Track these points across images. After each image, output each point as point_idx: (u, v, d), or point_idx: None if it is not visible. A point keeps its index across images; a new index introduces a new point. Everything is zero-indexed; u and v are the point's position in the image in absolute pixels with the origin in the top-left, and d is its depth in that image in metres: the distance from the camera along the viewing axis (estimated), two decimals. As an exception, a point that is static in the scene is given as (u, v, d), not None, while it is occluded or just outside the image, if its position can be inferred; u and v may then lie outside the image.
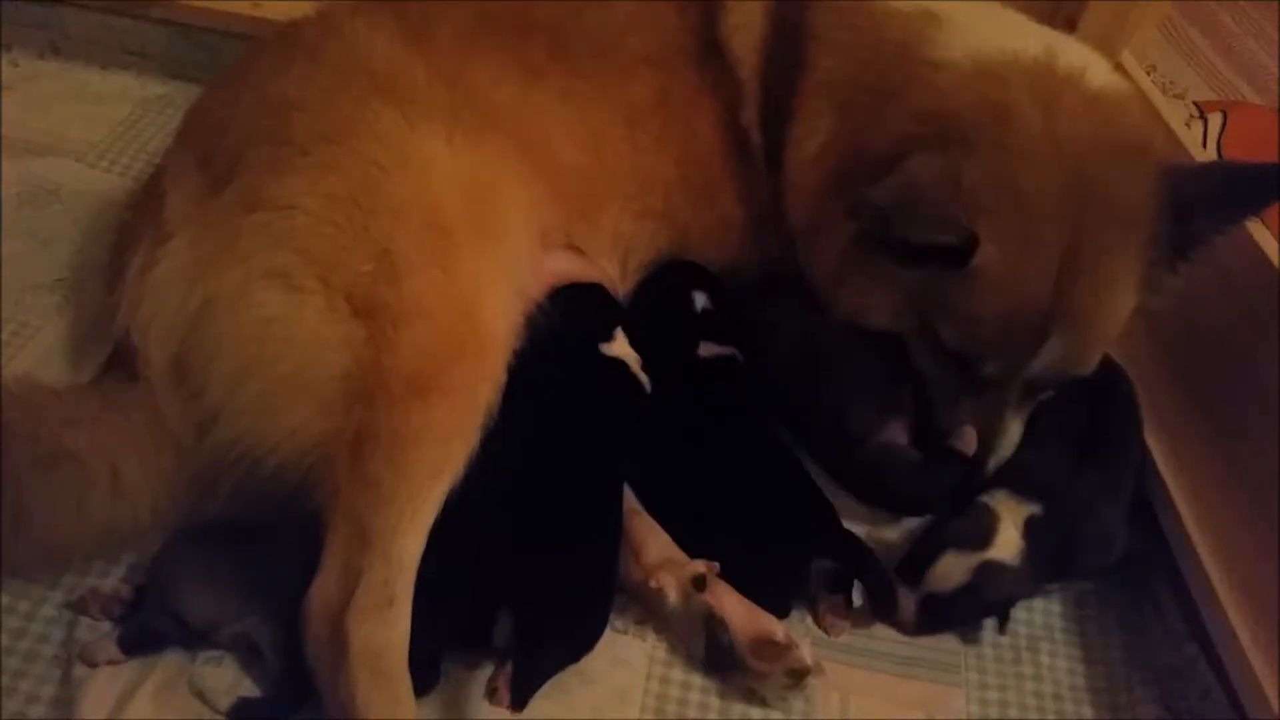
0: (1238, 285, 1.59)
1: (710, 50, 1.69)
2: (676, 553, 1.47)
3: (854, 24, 1.61)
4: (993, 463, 1.54)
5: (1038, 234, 1.39)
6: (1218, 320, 1.64)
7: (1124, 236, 1.43)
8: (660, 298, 1.72)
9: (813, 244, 1.60)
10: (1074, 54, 1.52)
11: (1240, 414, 1.58)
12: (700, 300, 1.69)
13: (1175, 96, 2.18)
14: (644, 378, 1.59)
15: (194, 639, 1.37)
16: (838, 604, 1.53)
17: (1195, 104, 2.12)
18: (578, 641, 1.37)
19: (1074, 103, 1.45)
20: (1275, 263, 1.52)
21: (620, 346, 1.60)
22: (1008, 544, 1.48)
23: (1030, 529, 1.49)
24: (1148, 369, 1.71)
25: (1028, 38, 1.54)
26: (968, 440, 1.53)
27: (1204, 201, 1.45)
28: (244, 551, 1.38)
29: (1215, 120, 2.01)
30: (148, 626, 1.36)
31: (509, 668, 1.35)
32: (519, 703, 1.26)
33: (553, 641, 1.34)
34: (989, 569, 1.47)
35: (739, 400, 1.63)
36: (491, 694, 1.36)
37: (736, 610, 1.41)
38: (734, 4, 1.69)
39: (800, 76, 1.61)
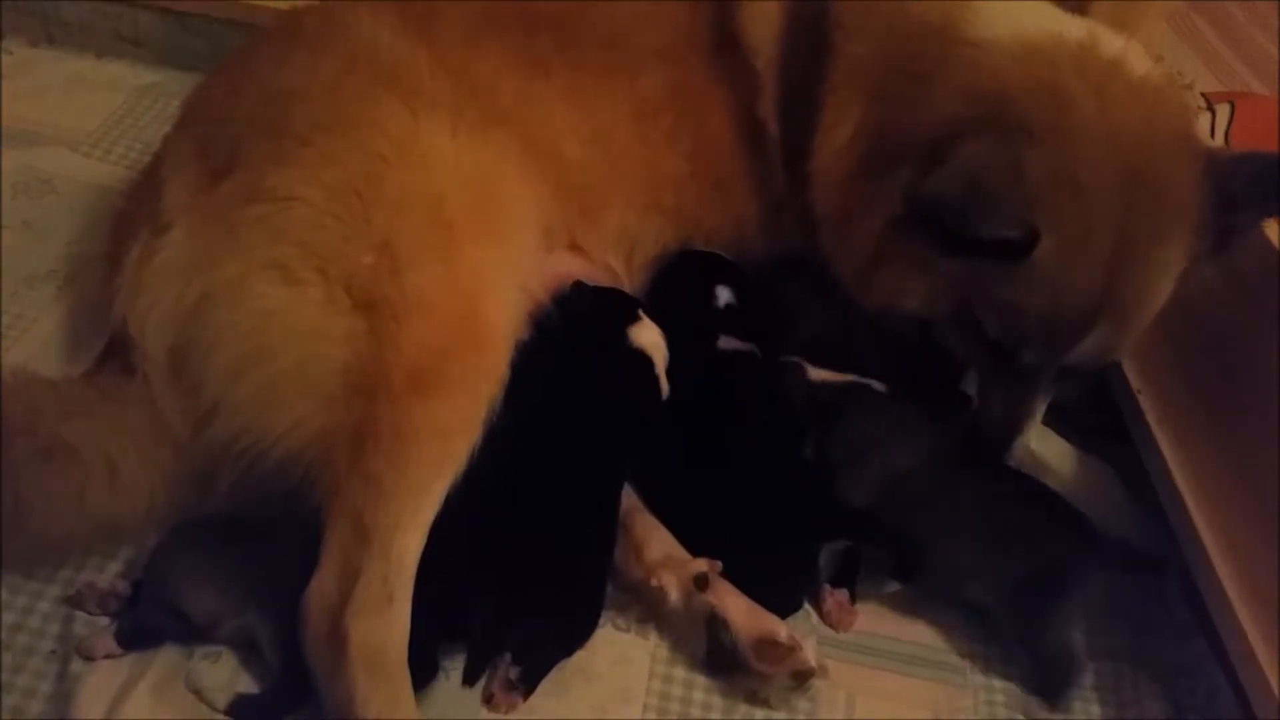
0: (1244, 278, 1.58)
1: (724, 43, 1.67)
2: (679, 551, 1.46)
3: (882, 11, 1.59)
4: (1016, 444, 1.53)
5: (1094, 227, 1.38)
6: (1224, 313, 1.63)
7: (1172, 227, 1.42)
8: (680, 290, 1.69)
9: (842, 231, 1.58)
10: (1112, 39, 1.50)
11: (1247, 408, 1.57)
12: (724, 296, 1.67)
13: (1183, 88, 2.16)
14: (664, 381, 1.56)
15: (192, 634, 1.36)
16: (843, 599, 1.52)
17: (1203, 95, 2.11)
18: (570, 636, 1.37)
19: (1122, 89, 1.43)
20: (1282, 254, 1.52)
21: (649, 334, 1.57)
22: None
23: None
24: (1155, 363, 1.71)
25: (1065, 22, 1.52)
26: None
27: (1246, 192, 1.44)
28: (245, 546, 1.37)
29: (1223, 111, 2.00)
30: (146, 621, 1.36)
31: (503, 671, 1.35)
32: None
33: (544, 636, 1.34)
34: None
35: (752, 396, 1.60)
36: (488, 700, 1.35)
37: (739, 610, 1.40)
38: None
39: (827, 65, 1.59)
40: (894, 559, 1.51)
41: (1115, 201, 1.38)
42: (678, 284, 1.70)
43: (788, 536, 1.50)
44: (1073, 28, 1.50)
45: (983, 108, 1.41)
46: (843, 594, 1.52)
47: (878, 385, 1.60)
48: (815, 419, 1.59)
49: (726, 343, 1.63)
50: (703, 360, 1.62)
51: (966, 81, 1.45)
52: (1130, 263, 1.39)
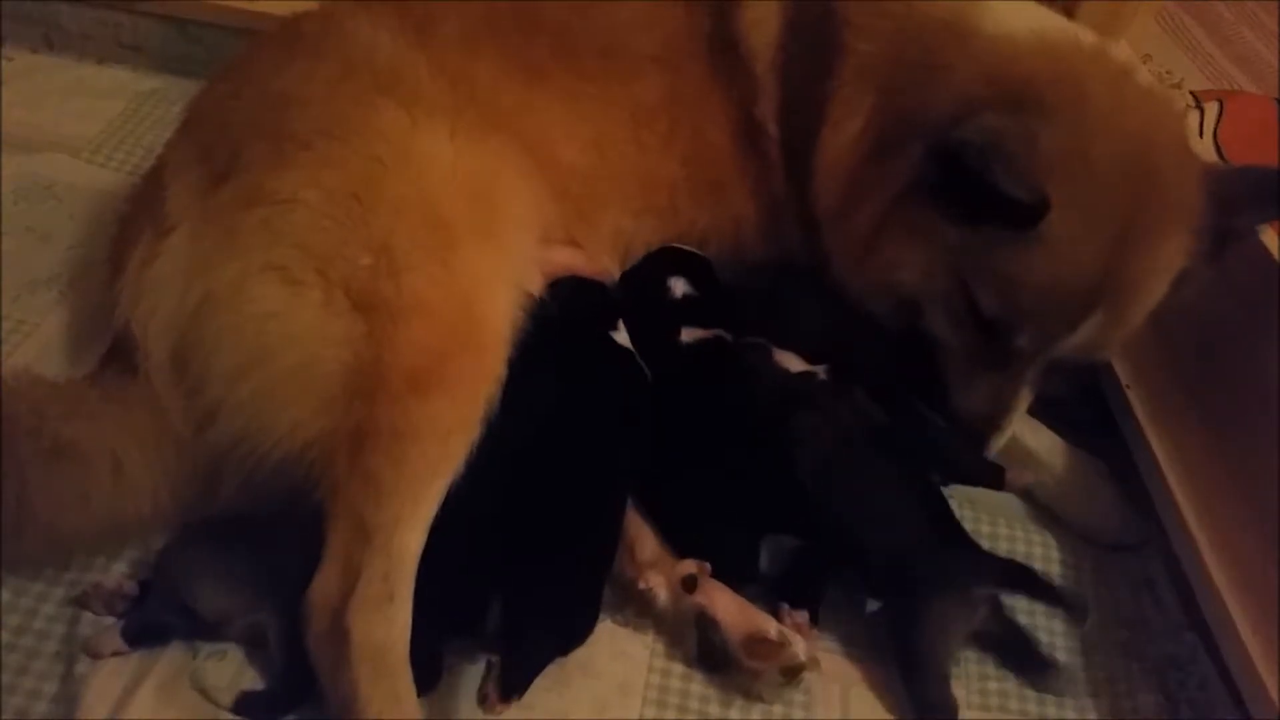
0: (1238, 278, 1.59)
1: (721, 47, 1.68)
2: (667, 552, 1.47)
3: (891, 11, 1.61)
4: (996, 440, 1.54)
5: (1102, 209, 1.40)
6: (1218, 312, 1.65)
7: (1176, 225, 1.45)
8: (639, 287, 1.70)
9: (843, 220, 1.59)
10: (1118, 49, 1.56)
11: (1239, 405, 1.58)
12: (679, 287, 1.67)
13: (1172, 86, 2.18)
14: (644, 368, 1.58)
15: (200, 631, 1.37)
16: (801, 620, 1.44)
17: (1192, 93, 2.12)
18: (566, 634, 1.37)
19: (1133, 91, 1.48)
20: (1276, 257, 1.53)
21: (622, 337, 1.59)
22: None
23: None
24: (1147, 360, 1.72)
25: (1077, 27, 1.57)
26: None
27: (1244, 200, 1.48)
28: (255, 544, 1.38)
29: (1211, 109, 2.01)
30: (154, 619, 1.36)
31: (496, 670, 1.35)
32: (507, 696, 1.26)
33: (540, 634, 1.34)
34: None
35: (724, 384, 1.61)
36: (483, 700, 1.35)
37: (728, 609, 1.41)
38: (750, 1, 1.68)
39: (835, 64, 1.60)
40: (826, 561, 1.51)
41: (1123, 190, 1.40)
42: (637, 282, 1.71)
43: (730, 525, 1.50)
44: (1085, 32, 1.54)
45: (1002, 88, 1.43)
46: (801, 615, 1.45)
47: (821, 374, 1.60)
48: (779, 405, 1.58)
49: (689, 334, 1.64)
50: (672, 357, 1.62)
51: (986, 66, 1.48)
52: (1133, 253, 1.42)
